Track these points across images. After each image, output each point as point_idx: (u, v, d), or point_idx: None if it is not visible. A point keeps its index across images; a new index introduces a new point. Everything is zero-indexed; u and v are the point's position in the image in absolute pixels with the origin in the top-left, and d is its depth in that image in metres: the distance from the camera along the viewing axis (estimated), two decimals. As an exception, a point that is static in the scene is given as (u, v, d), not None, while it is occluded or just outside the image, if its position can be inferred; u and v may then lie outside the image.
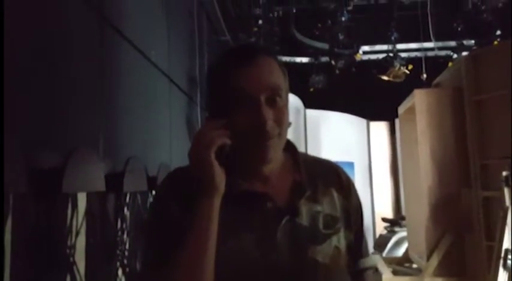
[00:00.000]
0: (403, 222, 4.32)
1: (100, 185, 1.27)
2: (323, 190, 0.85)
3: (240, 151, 0.80)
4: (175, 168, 0.85)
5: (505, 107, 2.58)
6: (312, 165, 0.88)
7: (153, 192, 1.92)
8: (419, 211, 3.00)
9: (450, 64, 3.80)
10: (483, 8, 4.40)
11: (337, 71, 4.90)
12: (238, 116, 0.78)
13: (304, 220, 0.80)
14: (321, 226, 0.81)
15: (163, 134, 2.32)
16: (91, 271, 1.32)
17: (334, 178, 0.88)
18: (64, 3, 1.28)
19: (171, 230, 0.76)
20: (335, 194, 0.86)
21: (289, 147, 0.88)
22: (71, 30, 1.31)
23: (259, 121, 0.76)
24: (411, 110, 3.14)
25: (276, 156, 0.81)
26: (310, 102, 5.01)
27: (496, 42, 4.30)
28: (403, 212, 4.09)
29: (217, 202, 0.75)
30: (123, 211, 1.59)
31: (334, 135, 5.19)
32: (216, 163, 0.75)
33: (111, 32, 1.61)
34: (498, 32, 4.41)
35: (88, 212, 1.31)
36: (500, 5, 4.33)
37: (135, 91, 1.85)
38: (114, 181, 1.35)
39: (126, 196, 1.56)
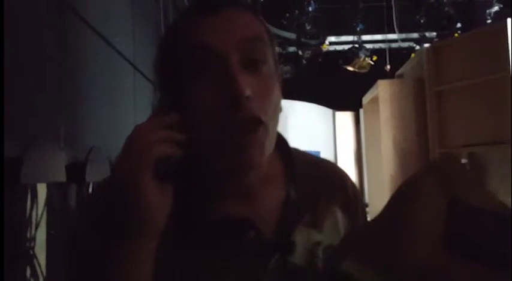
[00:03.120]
0: (367, 209, 4.45)
1: (60, 176, 1.23)
2: (324, 209, 0.62)
3: (206, 152, 0.55)
4: (108, 176, 0.60)
5: (464, 97, 2.68)
6: (310, 171, 0.64)
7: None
8: (382, 199, 3.08)
9: (413, 55, 3.91)
10: (445, 1, 4.52)
11: (304, 61, 4.94)
12: (199, 90, 0.52)
13: (299, 257, 0.57)
14: (320, 264, 0.59)
15: (128, 123, 2.28)
16: (52, 264, 1.29)
17: (338, 191, 0.66)
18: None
19: (85, 271, 0.53)
20: (339, 215, 0.63)
21: (279, 143, 0.62)
22: (27, 14, 1.25)
23: (231, 91, 0.50)
24: (375, 100, 3.21)
25: (264, 156, 0.55)
26: (283, 92, 5.01)
27: (456, 35, 4.44)
28: (367, 200, 4.20)
29: (147, 244, 0.50)
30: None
31: (301, 125, 5.24)
32: (151, 186, 0.48)
33: (71, 17, 1.55)
34: (459, 25, 4.55)
35: (48, 204, 1.27)
36: (461, -2, 4.47)
37: (98, 79, 1.80)
38: (76, 171, 1.32)
39: (88, 186, 1.52)
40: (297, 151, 0.67)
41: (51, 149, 1.23)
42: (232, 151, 0.53)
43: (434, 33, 4.80)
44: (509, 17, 2.48)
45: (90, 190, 1.46)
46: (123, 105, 2.21)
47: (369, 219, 0.71)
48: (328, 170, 0.68)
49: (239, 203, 0.58)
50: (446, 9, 4.56)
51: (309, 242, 0.59)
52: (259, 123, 0.53)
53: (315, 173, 0.65)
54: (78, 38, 1.62)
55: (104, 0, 1.94)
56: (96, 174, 1.44)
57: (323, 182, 0.65)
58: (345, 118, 5.95)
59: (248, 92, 0.51)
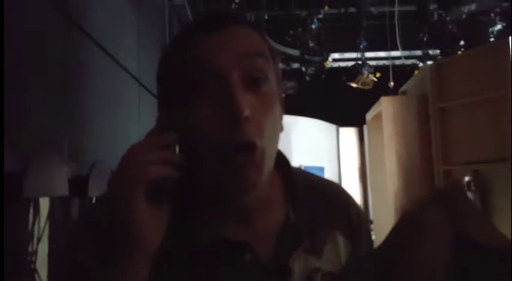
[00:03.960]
0: (371, 226, 4.40)
1: (63, 189, 1.23)
2: (325, 234, 0.59)
3: (203, 172, 0.54)
4: (105, 192, 0.56)
5: (467, 114, 2.68)
6: (312, 193, 0.62)
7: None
8: (386, 215, 3.06)
9: (416, 72, 3.92)
10: (448, 19, 4.56)
11: (307, 78, 4.96)
12: (198, 107, 0.51)
13: None
14: None
15: (132, 138, 2.29)
16: (53, 278, 1.28)
17: (342, 215, 0.62)
18: (27, 1, 1.25)
19: None
20: (341, 240, 0.60)
21: (280, 162, 0.60)
22: (34, 30, 1.27)
23: (230, 111, 0.49)
24: (378, 116, 3.21)
25: (262, 178, 0.53)
26: (285, 109, 5.02)
27: (459, 52, 4.46)
28: (371, 216, 4.16)
29: (142, 264, 0.49)
30: (88, 216, 1.55)
31: (305, 141, 5.24)
32: (143, 209, 0.48)
33: (77, 33, 1.57)
34: (462, 43, 4.58)
35: (51, 218, 1.27)
36: (464, 16, 4.50)
37: (102, 94, 1.82)
38: (79, 185, 1.32)
39: (91, 200, 1.52)
40: (299, 171, 0.65)
41: (54, 163, 1.24)
42: (228, 172, 0.51)
43: (438, 51, 4.83)
44: (511, 35, 2.50)
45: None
46: (128, 119, 2.22)
47: (373, 237, 0.70)
48: (332, 193, 0.65)
49: (236, 225, 0.56)
50: (450, 27, 4.59)
51: (306, 268, 0.56)
52: (255, 147, 0.51)
53: (317, 195, 0.63)
54: (83, 53, 1.64)
55: (109, 16, 1.97)
56: (99, 188, 1.44)
57: (325, 205, 0.62)
58: (348, 134, 5.95)
59: (247, 112, 0.49)
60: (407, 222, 0.52)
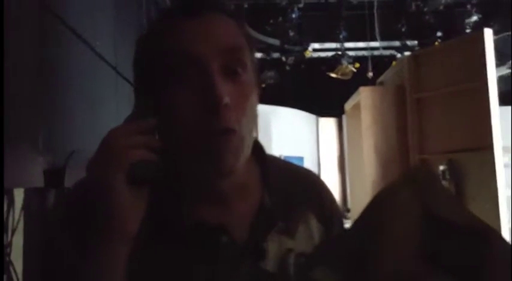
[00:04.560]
0: (349, 214, 4.48)
1: (38, 180, 1.21)
2: (298, 216, 0.62)
3: (181, 157, 0.55)
4: (82, 178, 0.56)
5: (443, 104, 2.74)
6: (285, 178, 0.64)
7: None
8: (364, 204, 3.11)
9: (394, 63, 3.97)
10: (425, 10, 4.61)
11: (287, 68, 4.96)
12: (177, 95, 0.52)
13: (271, 263, 0.57)
14: (291, 271, 0.57)
15: (110, 127, 2.25)
16: (29, 270, 1.26)
17: (313, 198, 0.65)
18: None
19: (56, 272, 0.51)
20: (314, 222, 0.63)
21: (256, 150, 0.61)
22: (6, 17, 1.23)
23: (210, 98, 0.50)
24: (357, 106, 3.25)
25: (239, 163, 0.54)
26: (261, 98, 5.02)
27: (436, 43, 4.52)
28: (349, 205, 4.23)
29: (121, 248, 0.49)
30: (65, 207, 1.53)
31: (285, 131, 5.27)
32: (123, 192, 0.48)
33: (52, 20, 1.53)
34: (439, 34, 4.64)
35: (25, 209, 1.25)
36: (441, 7, 4.55)
37: (78, 83, 1.78)
38: (54, 176, 1.29)
39: (67, 190, 1.50)
40: (273, 158, 0.67)
41: (28, 153, 1.21)
42: (206, 157, 0.53)
43: (416, 42, 4.89)
44: (486, 26, 2.55)
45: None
46: (105, 109, 2.19)
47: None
48: (305, 178, 0.68)
49: (213, 209, 0.57)
50: (427, 18, 4.64)
51: (280, 249, 0.58)
52: (234, 133, 0.53)
53: (291, 180, 0.65)
54: (58, 41, 1.60)
55: (85, 3, 1.92)
56: (75, 179, 1.42)
57: (298, 190, 0.65)
58: (328, 124, 6.00)
59: (226, 99, 0.50)
60: (379, 203, 0.54)
